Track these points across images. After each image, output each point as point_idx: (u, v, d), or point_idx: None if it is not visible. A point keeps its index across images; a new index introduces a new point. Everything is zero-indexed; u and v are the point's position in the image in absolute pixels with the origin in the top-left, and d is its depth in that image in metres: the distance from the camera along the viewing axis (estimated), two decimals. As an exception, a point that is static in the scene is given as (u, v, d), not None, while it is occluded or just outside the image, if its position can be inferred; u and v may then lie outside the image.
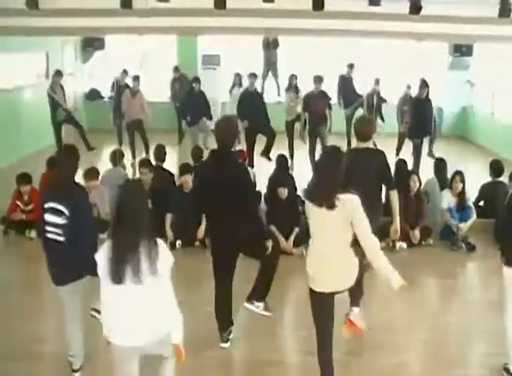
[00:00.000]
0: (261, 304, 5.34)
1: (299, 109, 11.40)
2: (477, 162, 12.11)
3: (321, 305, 4.34)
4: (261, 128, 10.87)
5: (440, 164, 9.05)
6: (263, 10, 7.30)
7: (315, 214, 4.21)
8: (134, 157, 11.75)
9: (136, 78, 11.97)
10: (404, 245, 7.96)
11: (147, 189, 8.16)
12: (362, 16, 7.39)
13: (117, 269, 3.43)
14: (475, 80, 15.23)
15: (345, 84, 13.10)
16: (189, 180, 7.73)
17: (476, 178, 9.21)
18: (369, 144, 5.65)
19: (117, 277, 3.44)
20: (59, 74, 11.45)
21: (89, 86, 15.88)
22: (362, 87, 13.07)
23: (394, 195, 5.66)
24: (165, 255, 3.52)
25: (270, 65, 15.21)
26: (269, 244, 5.22)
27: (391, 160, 11.34)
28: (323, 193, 4.11)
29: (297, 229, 7.72)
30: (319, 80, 10.95)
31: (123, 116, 11.90)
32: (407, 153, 10.96)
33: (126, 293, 3.47)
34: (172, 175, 8.83)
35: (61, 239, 4.44)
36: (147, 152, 11.53)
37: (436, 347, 5.50)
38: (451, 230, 8.07)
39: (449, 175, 8.47)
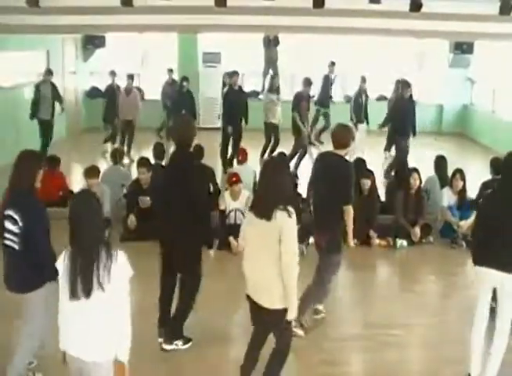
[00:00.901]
0: (180, 341, 5.28)
1: (279, 111, 11.52)
2: (477, 160, 12.12)
3: (249, 307, 4.37)
4: (234, 129, 10.97)
5: (440, 162, 9.05)
6: (263, 8, 7.30)
7: (253, 222, 4.20)
8: (129, 151, 11.93)
9: (130, 77, 12.00)
10: (404, 243, 7.96)
11: (147, 187, 8.18)
12: (363, 13, 7.38)
13: (73, 283, 3.34)
14: (476, 77, 15.24)
15: (326, 83, 13.08)
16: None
17: (476, 175, 9.21)
18: (345, 152, 5.54)
19: (73, 292, 3.34)
20: (49, 72, 11.39)
21: (90, 84, 15.88)
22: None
23: (349, 211, 5.46)
24: (123, 269, 3.39)
25: (271, 63, 15.21)
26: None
27: (380, 157, 11.62)
28: (264, 205, 4.15)
29: (297, 227, 7.70)
30: (308, 83, 10.97)
31: (117, 114, 12.07)
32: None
33: (80, 305, 3.35)
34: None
35: (16, 247, 4.42)
36: (129, 152, 11.85)
37: (437, 344, 5.51)
38: (451, 228, 8.08)
39: (450, 172, 8.47)
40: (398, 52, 15.77)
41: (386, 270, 7.55)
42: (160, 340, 5.23)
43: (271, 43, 15.01)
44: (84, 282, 3.30)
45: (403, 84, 10.67)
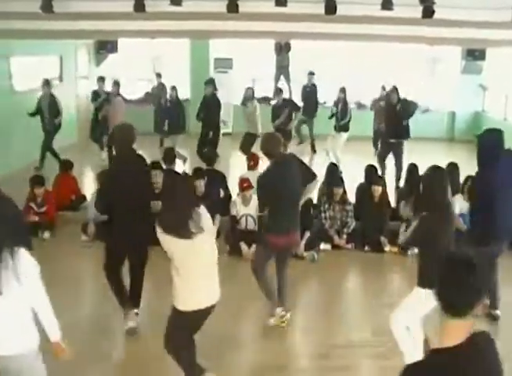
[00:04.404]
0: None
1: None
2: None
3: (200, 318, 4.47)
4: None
5: (452, 169, 8.98)
6: (275, 14, 7.32)
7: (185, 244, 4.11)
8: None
9: (116, 84, 11.87)
10: (415, 250, 7.91)
11: (158, 191, 8.20)
12: (375, 20, 7.38)
13: None
14: (488, 84, 15.17)
15: (305, 93, 13.28)
16: (201, 184, 7.84)
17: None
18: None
19: None
20: (46, 83, 11.41)
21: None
22: (376, 91, 13.04)
23: (316, 184, 5.88)
24: (28, 264, 3.45)
25: (282, 69, 15.23)
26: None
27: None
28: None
29: (308, 233, 7.71)
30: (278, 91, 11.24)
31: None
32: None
33: None
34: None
35: None
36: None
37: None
38: (463, 236, 8.01)
39: (461, 179, 8.42)
40: (410, 59, 15.74)
41: (397, 277, 7.52)
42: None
43: (282, 49, 15.03)
44: None
45: (392, 89, 10.47)
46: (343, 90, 11.86)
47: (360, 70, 14.38)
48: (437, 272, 2.22)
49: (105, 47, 15.18)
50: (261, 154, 6.05)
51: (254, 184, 7.93)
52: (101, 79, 12.54)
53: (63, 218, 8.56)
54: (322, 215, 8.06)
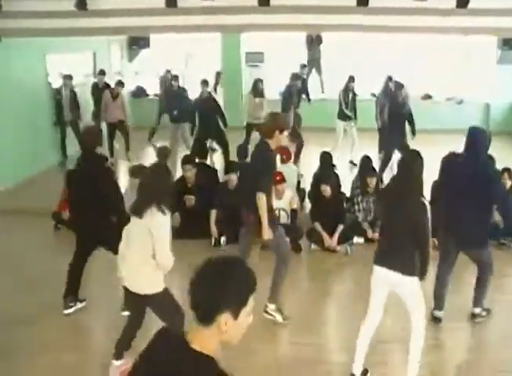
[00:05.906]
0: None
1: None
2: (526, 159, 11.80)
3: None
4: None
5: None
6: (307, 7, 7.31)
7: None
8: (112, 155, 11.69)
9: (120, 83, 11.90)
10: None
11: (191, 186, 8.27)
12: (408, 11, 7.31)
13: None
14: (525, 74, 14.84)
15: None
16: (234, 178, 7.86)
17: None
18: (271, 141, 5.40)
19: None
20: (68, 77, 11.61)
21: (135, 84, 16.14)
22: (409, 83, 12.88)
23: (260, 198, 5.35)
24: None
25: (314, 62, 15.17)
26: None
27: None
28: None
29: (341, 227, 7.69)
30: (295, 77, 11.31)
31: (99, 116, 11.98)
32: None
33: None
34: (216, 171, 8.91)
35: None
36: (128, 149, 11.82)
37: (479, 348, 5.44)
38: (498, 229, 7.88)
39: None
40: (444, 49, 15.50)
41: (430, 272, 7.44)
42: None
43: (314, 42, 14.96)
44: None
45: (397, 84, 10.33)
46: (352, 79, 11.71)
47: (391, 62, 14.21)
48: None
49: (137, 43, 15.35)
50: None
51: (287, 178, 7.99)
52: (101, 72, 12.56)
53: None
54: (356, 207, 8.02)
